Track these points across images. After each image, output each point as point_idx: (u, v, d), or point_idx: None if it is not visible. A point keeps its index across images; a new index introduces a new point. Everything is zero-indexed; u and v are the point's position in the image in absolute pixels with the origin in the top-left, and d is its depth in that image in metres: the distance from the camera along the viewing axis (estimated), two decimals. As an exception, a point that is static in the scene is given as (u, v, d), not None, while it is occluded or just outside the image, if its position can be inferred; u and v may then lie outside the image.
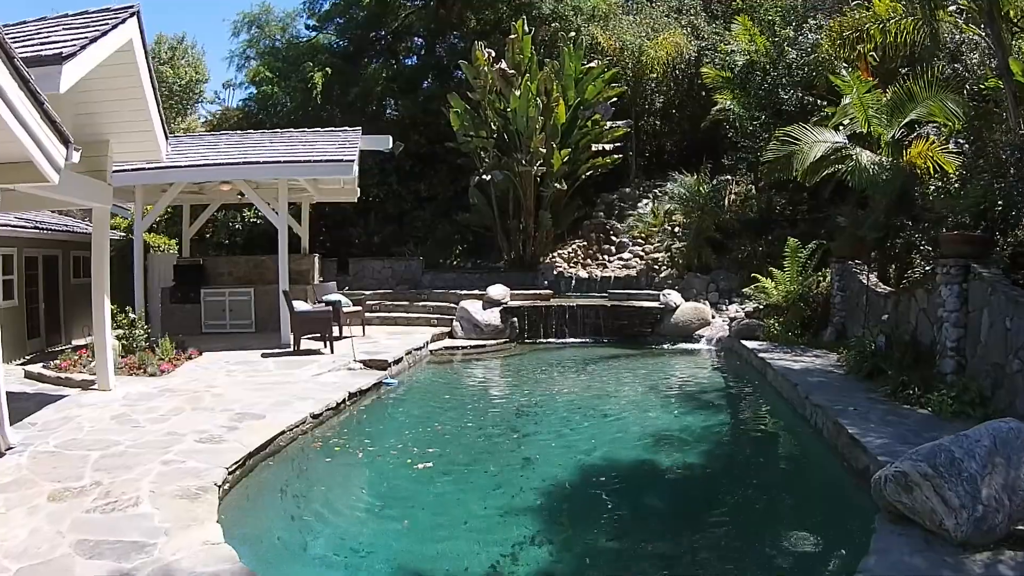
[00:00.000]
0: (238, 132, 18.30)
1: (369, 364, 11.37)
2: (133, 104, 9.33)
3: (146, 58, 8.90)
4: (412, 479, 6.25)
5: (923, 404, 7.64)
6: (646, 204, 20.04)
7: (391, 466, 6.73)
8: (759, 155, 17.09)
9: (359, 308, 14.65)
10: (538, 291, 16.17)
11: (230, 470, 6.26)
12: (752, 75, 17.78)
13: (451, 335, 15.15)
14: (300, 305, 13.03)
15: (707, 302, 15.51)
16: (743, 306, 13.65)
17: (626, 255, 18.84)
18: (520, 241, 19.07)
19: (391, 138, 15.33)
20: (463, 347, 14.23)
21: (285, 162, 13.89)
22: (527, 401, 9.45)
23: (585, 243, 19.57)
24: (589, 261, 19.15)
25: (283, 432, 7.55)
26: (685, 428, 7.98)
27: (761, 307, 13.05)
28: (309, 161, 13.75)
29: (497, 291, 15.30)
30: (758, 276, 13.13)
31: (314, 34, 27.26)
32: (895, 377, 8.36)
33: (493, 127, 18.32)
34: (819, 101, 16.82)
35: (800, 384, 8.72)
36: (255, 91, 26.38)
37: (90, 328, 12.39)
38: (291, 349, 12.81)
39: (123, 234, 19.10)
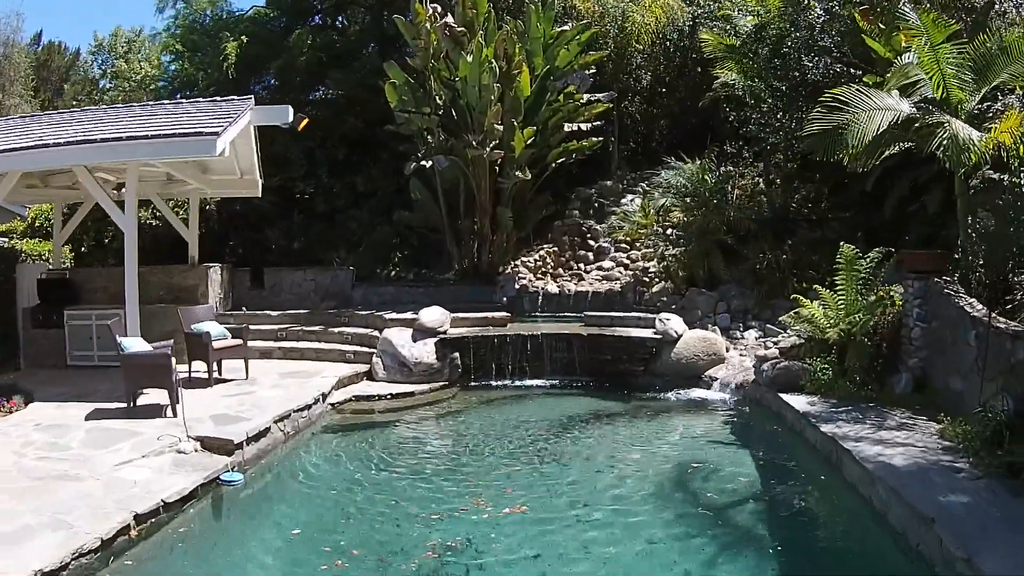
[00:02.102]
0: (99, 107, 14.16)
1: (208, 444, 7.33)
2: None
3: None
4: None
5: None
6: (632, 200, 16.10)
7: None
8: (779, 136, 13.31)
9: (239, 341, 10.55)
10: (491, 313, 12.13)
11: None
12: (763, 40, 13.98)
13: (370, 376, 11.10)
14: (132, 344, 8.90)
15: (716, 328, 11.58)
16: (776, 339, 9.67)
17: (607, 263, 14.88)
18: (474, 246, 15.04)
19: (291, 109, 11.26)
20: (382, 396, 10.19)
21: (127, 138, 9.84)
22: (452, 533, 5.40)
23: (556, 248, 15.58)
24: (561, 271, 15.16)
25: None
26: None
27: (802, 341, 9.14)
28: (156, 136, 9.66)
29: (431, 316, 11.25)
30: (799, 298, 9.18)
31: (247, 10, 23.10)
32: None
33: (439, 101, 14.28)
34: (851, 70, 13.09)
35: (940, 520, 4.74)
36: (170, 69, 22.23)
37: None
38: (129, 405, 8.74)
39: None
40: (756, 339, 11.37)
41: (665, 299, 12.82)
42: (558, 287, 14.05)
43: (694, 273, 12.48)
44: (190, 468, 6.81)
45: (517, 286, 14.10)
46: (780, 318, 9.76)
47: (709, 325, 11.59)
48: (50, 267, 15.15)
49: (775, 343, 9.40)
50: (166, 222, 14.95)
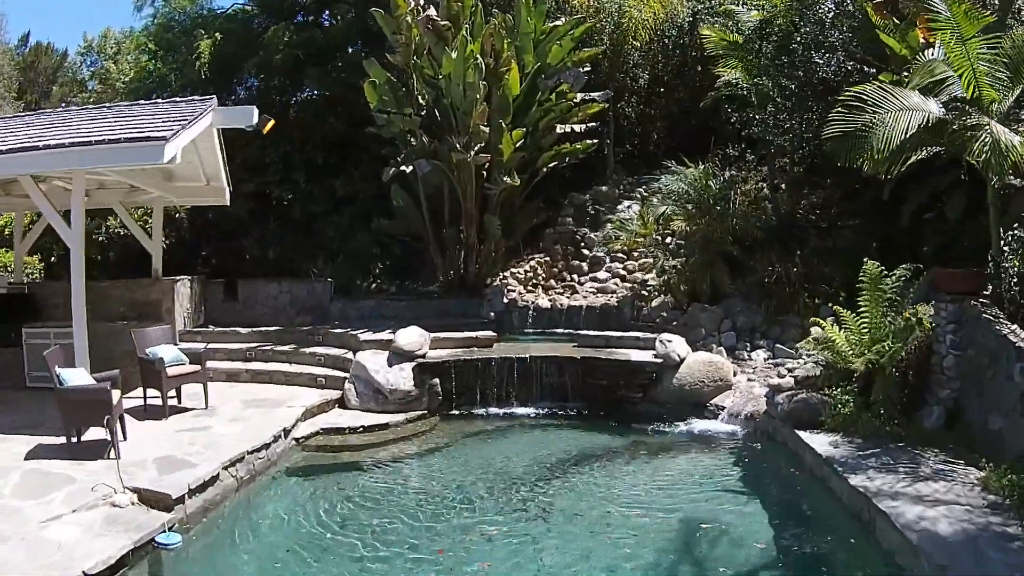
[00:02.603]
0: (53, 111, 13.15)
1: (146, 497, 6.39)
2: None
3: None
4: None
5: None
6: (629, 207, 15.16)
7: None
8: (787, 138, 12.39)
9: (196, 368, 9.58)
10: (475, 333, 11.14)
11: None
12: (768, 37, 13.08)
13: (343, 403, 10.14)
14: (72, 376, 7.92)
15: (721, 348, 10.62)
16: (790, 365, 8.68)
17: (603, 275, 13.93)
18: (460, 257, 14.07)
19: (256, 110, 10.29)
20: (353, 428, 9.20)
21: (70, 145, 8.93)
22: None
23: (548, 258, 14.61)
24: (553, 283, 14.20)
25: None
26: None
27: (820, 369, 8.19)
28: (100, 142, 8.68)
29: (408, 338, 10.27)
30: (820, 321, 8.21)
31: (228, 8, 21.99)
32: None
33: (422, 101, 13.30)
34: (864, 67, 12.20)
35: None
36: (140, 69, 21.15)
37: None
38: (70, 441, 7.79)
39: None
40: (765, 361, 10.44)
41: (665, 314, 11.87)
42: (550, 301, 13.08)
43: (697, 287, 11.53)
44: (123, 527, 5.86)
45: (506, 300, 13.13)
46: (798, 345, 8.79)
47: (714, 345, 10.64)
48: (11, 280, 14.26)
49: (790, 371, 8.44)
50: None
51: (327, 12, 20.79)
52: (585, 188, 16.21)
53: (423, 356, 10.21)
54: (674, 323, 11.52)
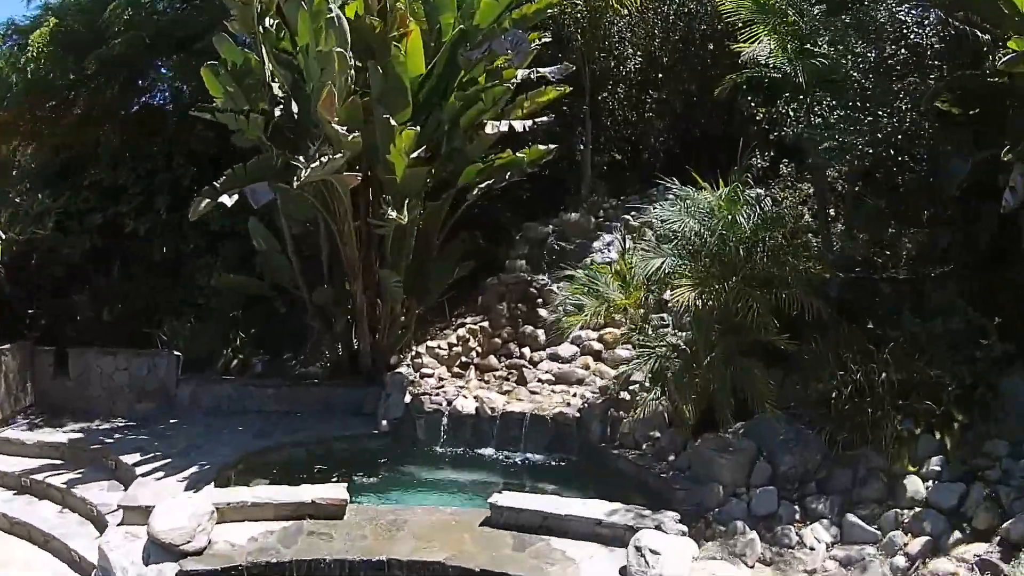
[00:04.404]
0: None
1: None
2: None
3: None
4: None
5: None
6: (610, 244, 10.35)
7: None
8: (842, 141, 7.52)
9: None
10: (312, 495, 6.03)
11: None
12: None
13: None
14: None
15: (754, 536, 5.73)
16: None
17: (567, 350, 9.14)
18: (352, 325, 9.35)
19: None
20: None
21: None
22: None
23: (488, 323, 9.80)
24: (493, 361, 9.40)
25: None
26: None
27: None
28: None
29: (171, 521, 5.34)
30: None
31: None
32: None
33: (279, 94, 8.58)
34: (978, 32, 7.54)
35: None
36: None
37: None
38: None
39: None
40: (829, 549, 5.60)
41: (658, 436, 7.11)
42: (476, 401, 8.22)
43: (713, 398, 6.65)
44: None
45: (409, 398, 8.36)
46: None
47: (739, 523, 5.75)
48: None
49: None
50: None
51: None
52: (549, 214, 11.41)
53: (198, 551, 5.43)
54: (671, 458, 6.73)
